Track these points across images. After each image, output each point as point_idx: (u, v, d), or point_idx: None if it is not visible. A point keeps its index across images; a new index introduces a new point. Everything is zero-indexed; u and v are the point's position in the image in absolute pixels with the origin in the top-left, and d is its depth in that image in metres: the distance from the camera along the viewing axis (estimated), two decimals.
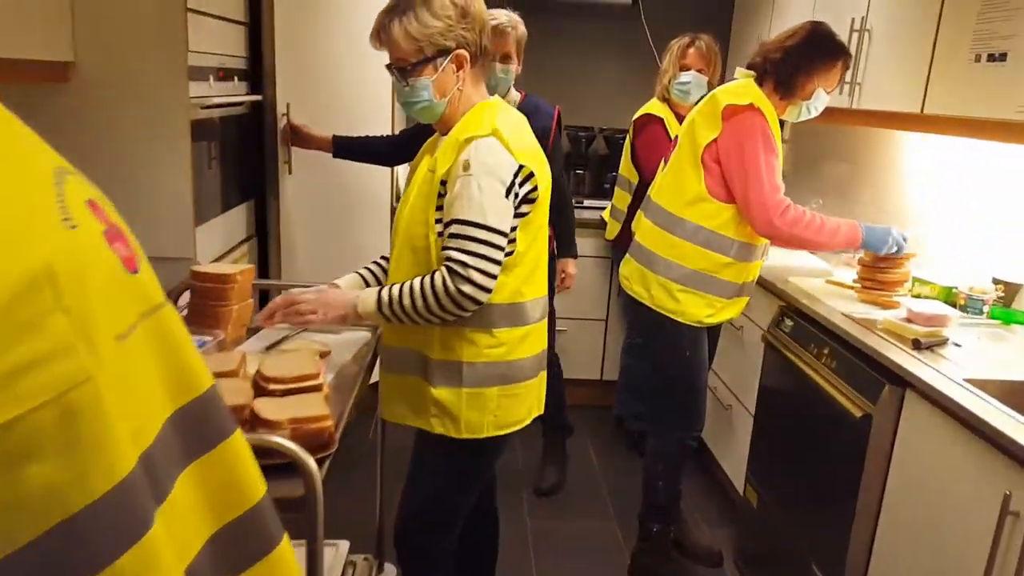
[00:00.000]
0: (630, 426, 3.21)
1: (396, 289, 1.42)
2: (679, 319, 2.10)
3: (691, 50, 2.81)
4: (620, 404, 3.27)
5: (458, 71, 1.41)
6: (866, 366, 1.79)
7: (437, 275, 1.38)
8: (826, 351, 1.97)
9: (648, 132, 2.85)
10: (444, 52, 1.39)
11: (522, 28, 2.41)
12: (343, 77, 2.74)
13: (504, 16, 2.38)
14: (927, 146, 2.52)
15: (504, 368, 1.51)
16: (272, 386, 1.28)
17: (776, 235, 1.98)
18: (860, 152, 2.96)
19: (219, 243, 2.38)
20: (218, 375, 1.28)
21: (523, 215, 1.43)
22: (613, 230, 3.03)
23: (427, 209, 1.43)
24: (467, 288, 1.36)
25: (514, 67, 2.41)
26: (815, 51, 1.99)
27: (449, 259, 1.37)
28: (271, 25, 2.63)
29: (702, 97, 2.90)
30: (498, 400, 1.52)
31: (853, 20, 2.42)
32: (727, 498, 2.73)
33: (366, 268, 1.71)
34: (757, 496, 2.30)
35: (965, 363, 1.68)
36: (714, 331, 2.28)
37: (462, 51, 1.40)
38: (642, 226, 2.20)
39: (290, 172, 2.71)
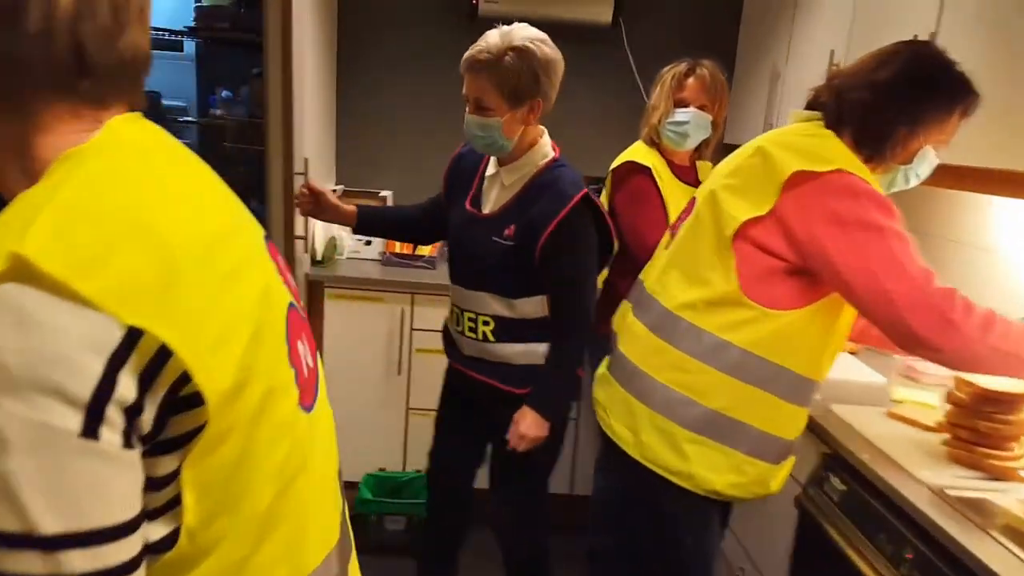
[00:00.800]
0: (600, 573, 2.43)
1: None
2: (685, 485, 1.35)
3: (690, 80, 2.11)
4: (593, 535, 2.50)
5: None
6: None
7: None
8: (908, 555, 1.23)
9: (631, 185, 2.14)
10: None
11: (516, 57, 1.58)
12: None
13: (482, 42, 1.61)
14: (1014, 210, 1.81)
15: None
16: None
17: (958, 349, 1.18)
18: (914, 217, 2.25)
19: None
20: None
21: (184, 442, 0.55)
22: None
23: None
24: None
25: (505, 119, 1.63)
26: (924, 90, 1.26)
27: None
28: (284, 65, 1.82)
29: (704, 142, 2.22)
30: None
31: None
32: None
33: None
34: None
35: None
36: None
37: None
38: (630, 331, 1.46)
39: (307, 251, 1.92)
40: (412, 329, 2.70)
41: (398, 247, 2.96)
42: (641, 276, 1.52)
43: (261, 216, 1.81)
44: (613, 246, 1.80)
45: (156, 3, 2.79)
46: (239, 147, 2.58)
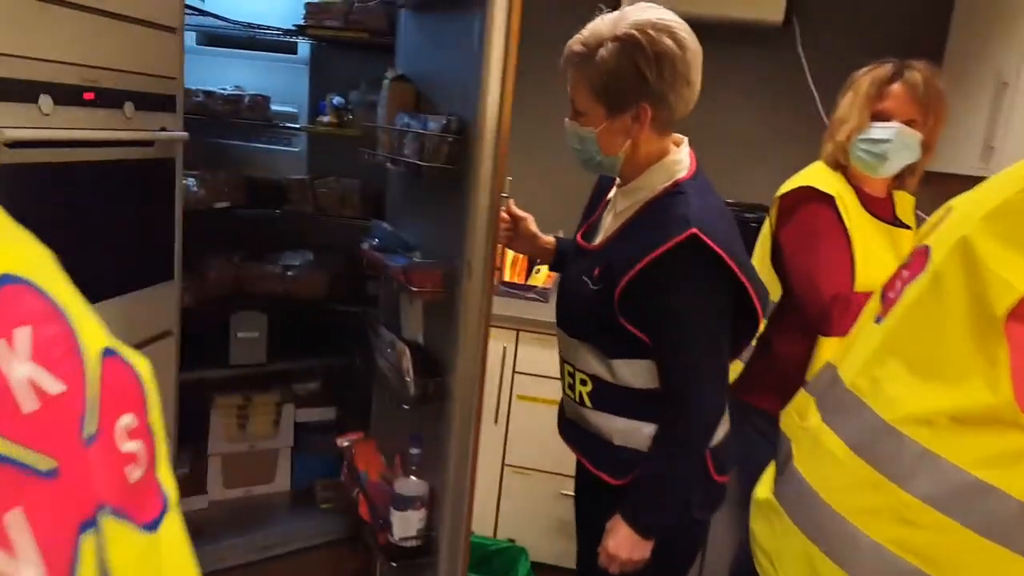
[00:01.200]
0: None
1: None
2: None
3: (895, 86, 1.60)
4: None
5: None
6: None
7: None
8: None
9: (805, 216, 1.65)
10: None
11: (615, 49, 1.19)
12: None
13: (586, 28, 1.24)
14: None
15: None
16: None
17: None
18: None
19: None
20: None
21: None
22: (732, 372, 1.83)
23: None
24: None
25: (601, 129, 1.25)
26: None
27: None
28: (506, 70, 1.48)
29: (908, 168, 1.69)
30: None
31: None
32: None
33: None
34: None
35: None
36: None
37: None
38: (816, 443, 0.97)
39: (499, 281, 1.54)
40: (515, 372, 2.32)
41: (508, 274, 2.59)
42: (833, 360, 1.04)
43: (457, 246, 1.45)
44: (757, 316, 1.26)
45: (267, 1, 2.64)
46: (430, 166, 1.81)
